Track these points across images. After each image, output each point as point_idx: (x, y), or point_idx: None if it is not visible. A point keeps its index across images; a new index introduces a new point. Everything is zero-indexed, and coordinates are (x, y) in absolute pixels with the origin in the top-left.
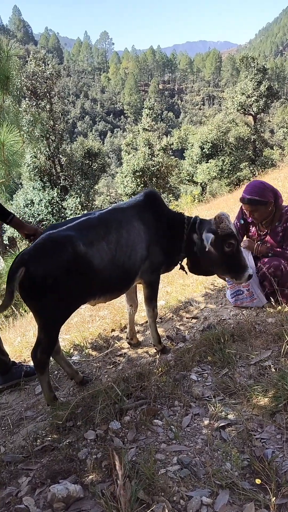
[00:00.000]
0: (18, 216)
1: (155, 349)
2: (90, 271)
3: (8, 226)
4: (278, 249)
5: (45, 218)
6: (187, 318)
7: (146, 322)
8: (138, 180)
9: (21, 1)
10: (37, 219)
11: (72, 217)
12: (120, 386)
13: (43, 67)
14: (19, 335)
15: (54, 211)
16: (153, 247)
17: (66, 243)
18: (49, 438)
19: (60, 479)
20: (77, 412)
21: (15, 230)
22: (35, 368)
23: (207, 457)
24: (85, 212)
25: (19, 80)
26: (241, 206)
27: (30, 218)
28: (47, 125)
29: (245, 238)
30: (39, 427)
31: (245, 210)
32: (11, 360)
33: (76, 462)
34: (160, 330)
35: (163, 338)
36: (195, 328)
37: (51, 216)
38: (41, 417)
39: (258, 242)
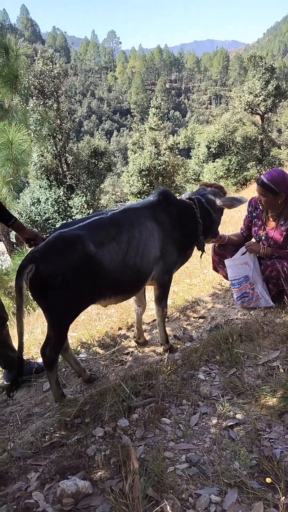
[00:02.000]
0: (25, 214)
1: (163, 348)
2: (100, 271)
3: None
4: (282, 251)
5: (51, 216)
6: (194, 317)
7: (153, 321)
8: (144, 179)
9: (29, 0)
10: (43, 218)
11: (79, 215)
12: (128, 384)
13: (51, 66)
14: (27, 332)
15: (60, 210)
16: (167, 247)
17: (76, 242)
18: (57, 435)
19: (69, 475)
20: (85, 409)
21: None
22: (44, 365)
23: (215, 455)
24: (91, 211)
25: (27, 79)
26: (250, 199)
27: (37, 216)
28: (54, 124)
29: (253, 240)
30: (47, 423)
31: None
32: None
33: (85, 459)
34: (167, 330)
35: (170, 337)
36: (202, 327)
37: (57, 214)
38: (49, 414)
39: (264, 245)
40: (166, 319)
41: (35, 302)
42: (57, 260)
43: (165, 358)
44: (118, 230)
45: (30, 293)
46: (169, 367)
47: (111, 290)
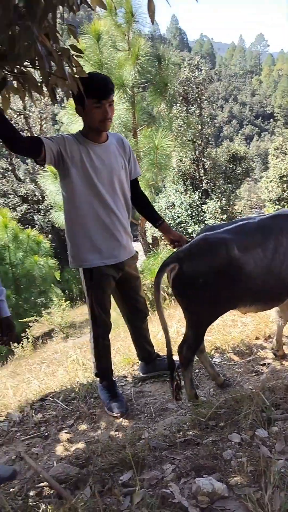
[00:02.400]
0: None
1: None
2: (242, 276)
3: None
4: None
5: (184, 220)
6: None
7: None
8: (285, 186)
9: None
10: (177, 221)
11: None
12: (266, 395)
13: (196, 72)
14: (162, 330)
15: (194, 214)
16: None
17: (220, 246)
18: (191, 433)
19: (204, 474)
20: (220, 413)
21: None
22: (180, 364)
23: None
24: (225, 216)
25: (173, 87)
26: None
27: (170, 220)
28: (195, 130)
29: None
30: (181, 420)
31: None
32: (156, 352)
33: (221, 461)
34: None
35: None
36: None
37: (190, 218)
38: (182, 411)
39: None
40: None
41: (171, 301)
42: (201, 261)
43: None
44: (265, 236)
45: (171, 291)
46: None
47: (252, 297)
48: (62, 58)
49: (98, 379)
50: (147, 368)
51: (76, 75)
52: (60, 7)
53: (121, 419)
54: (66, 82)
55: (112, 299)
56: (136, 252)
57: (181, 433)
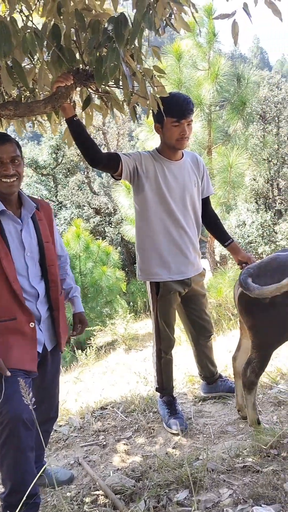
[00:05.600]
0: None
1: None
2: None
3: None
4: None
5: (254, 240)
6: None
7: None
8: None
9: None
10: (246, 241)
11: (284, 242)
12: None
13: (276, 91)
14: (225, 350)
15: (265, 234)
16: None
17: None
18: (251, 459)
19: (262, 503)
20: (283, 443)
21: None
22: (243, 386)
23: None
24: None
25: (251, 105)
26: None
27: (240, 239)
28: (271, 149)
29: None
30: (240, 445)
31: None
32: (219, 372)
33: (281, 492)
34: None
35: None
36: None
37: (260, 238)
38: (242, 436)
39: None
40: None
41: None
42: (268, 279)
43: None
44: None
45: (238, 308)
46: None
47: None
48: (145, 78)
49: (158, 393)
50: (208, 388)
51: (157, 95)
52: (147, 30)
53: (179, 436)
54: (147, 101)
55: (177, 315)
56: (204, 269)
57: (240, 458)
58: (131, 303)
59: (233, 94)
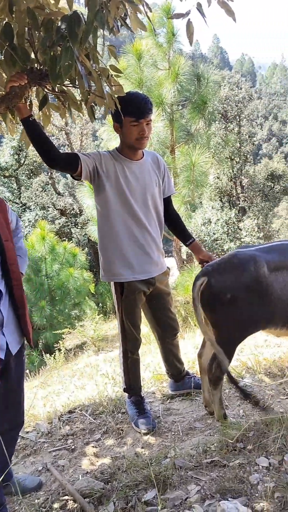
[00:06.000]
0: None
1: None
2: (271, 296)
3: None
4: None
5: (219, 237)
6: None
7: None
8: None
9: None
10: (212, 238)
11: (248, 238)
12: None
13: (236, 91)
14: (192, 347)
15: (230, 231)
16: None
17: (249, 262)
18: (218, 454)
19: (229, 497)
20: (249, 435)
21: None
22: (209, 382)
23: None
24: (261, 234)
25: (212, 105)
26: None
27: (206, 236)
28: (233, 147)
29: None
30: (208, 440)
31: None
32: (186, 369)
33: (247, 485)
34: None
35: None
36: None
37: (226, 236)
38: (210, 432)
39: None
40: None
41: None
42: (228, 276)
43: None
44: None
45: (200, 305)
46: None
47: (283, 320)
48: (101, 78)
49: (126, 394)
50: (176, 386)
51: (114, 94)
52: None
53: (147, 436)
54: (104, 100)
55: (143, 314)
56: (168, 268)
57: (208, 454)
58: (100, 304)
59: (193, 93)
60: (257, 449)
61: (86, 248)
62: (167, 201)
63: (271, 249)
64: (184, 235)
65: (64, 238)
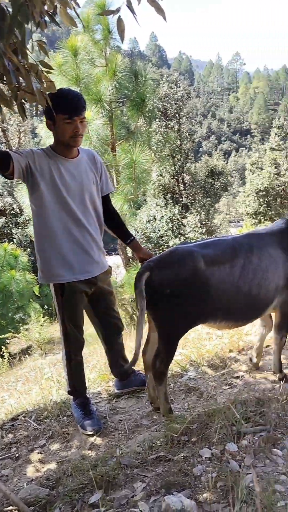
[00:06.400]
0: (140, 231)
1: (277, 376)
2: (209, 290)
3: None
4: None
5: (165, 234)
6: None
7: (267, 347)
8: (261, 200)
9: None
10: (158, 235)
11: (192, 234)
12: (237, 408)
13: (175, 89)
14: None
15: (174, 228)
16: None
17: (187, 257)
18: (164, 449)
19: (174, 491)
20: (193, 428)
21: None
22: (154, 378)
23: None
24: (204, 229)
25: (152, 102)
26: None
27: (151, 233)
28: (174, 145)
29: None
30: (154, 436)
31: None
32: (131, 367)
33: (191, 478)
34: (282, 357)
35: (285, 367)
36: None
37: (170, 232)
38: (156, 427)
39: None
40: None
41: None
42: (168, 271)
43: (278, 387)
44: (234, 253)
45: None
46: (285, 396)
47: (222, 313)
48: (30, 74)
49: (71, 396)
50: (122, 384)
51: (45, 91)
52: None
53: (94, 437)
54: (35, 97)
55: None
56: (110, 267)
57: (153, 449)
58: (45, 306)
59: (132, 91)
60: (200, 441)
61: (29, 249)
62: (106, 200)
63: (208, 245)
64: (124, 234)
65: (5, 239)
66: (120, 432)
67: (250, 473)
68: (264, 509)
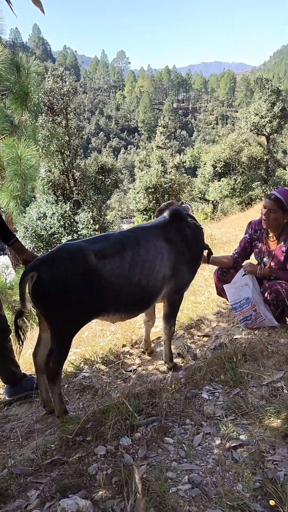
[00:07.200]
0: (31, 229)
1: (167, 366)
2: (100, 283)
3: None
4: (280, 271)
5: (57, 231)
6: (198, 336)
7: (158, 338)
8: (150, 197)
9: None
10: (49, 232)
11: (84, 231)
12: (131, 402)
13: (61, 84)
14: (30, 347)
15: (66, 225)
16: (179, 266)
17: (77, 253)
18: (58, 452)
19: (69, 493)
20: (87, 427)
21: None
22: (47, 379)
23: (218, 477)
24: (97, 226)
25: (37, 96)
26: (249, 222)
27: (42, 231)
28: (63, 140)
29: (247, 261)
30: (48, 440)
31: (263, 208)
32: (22, 372)
33: (86, 477)
34: (171, 348)
35: (174, 356)
36: (207, 346)
37: (63, 229)
38: (51, 431)
39: (261, 265)
40: None
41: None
42: (58, 268)
43: (168, 377)
44: (122, 246)
45: (32, 301)
46: (173, 386)
47: (114, 306)
48: None
49: None
50: (13, 391)
51: None
52: None
53: None
54: None
55: None
56: None
57: (48, 454)
58: None
59: (14, 83)
60: (95, 439)
61: None
62: None
63: (97, 240)
64: (5, 235)
65: None
66: (12, 440)
67: (144, 464)
68: (157, 497)
